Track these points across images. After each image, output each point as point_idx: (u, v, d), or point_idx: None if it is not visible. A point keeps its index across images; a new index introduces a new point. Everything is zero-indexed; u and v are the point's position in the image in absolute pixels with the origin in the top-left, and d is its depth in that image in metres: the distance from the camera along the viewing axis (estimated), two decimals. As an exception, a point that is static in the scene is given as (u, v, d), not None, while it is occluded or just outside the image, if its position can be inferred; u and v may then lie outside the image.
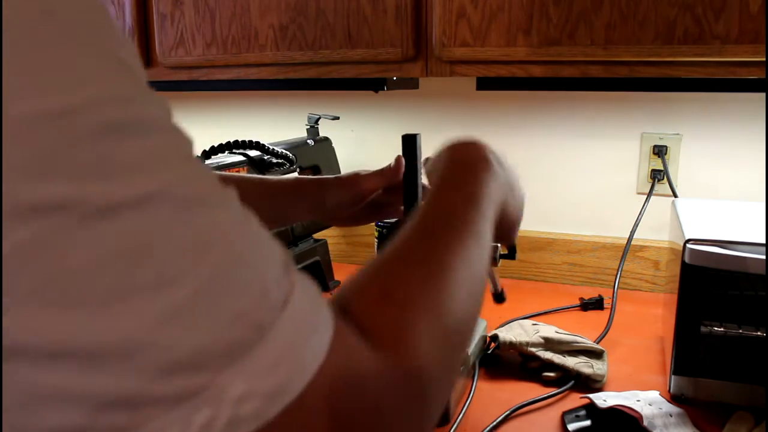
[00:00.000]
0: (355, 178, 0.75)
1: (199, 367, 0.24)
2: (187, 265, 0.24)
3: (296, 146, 1.19)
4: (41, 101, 0.22)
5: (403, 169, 0.73)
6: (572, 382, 0.86)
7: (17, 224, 0.21)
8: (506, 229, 0.56)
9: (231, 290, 0.25)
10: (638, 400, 0.78)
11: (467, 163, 0.52)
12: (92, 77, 0.23)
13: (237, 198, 0.29)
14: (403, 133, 0.73)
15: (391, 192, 0.75)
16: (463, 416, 0.80)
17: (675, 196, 1.16)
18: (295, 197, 0.76)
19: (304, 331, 0.27)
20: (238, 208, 0.28)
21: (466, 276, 0.39)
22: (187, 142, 0.27)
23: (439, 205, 0.46)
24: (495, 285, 0.76)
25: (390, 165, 0.75)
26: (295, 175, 0.91)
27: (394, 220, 1.05)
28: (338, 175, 0.77)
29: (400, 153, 0.78)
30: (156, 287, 0.23)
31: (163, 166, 0.24)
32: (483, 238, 0.44)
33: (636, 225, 1.17)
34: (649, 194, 1.18)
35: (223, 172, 0.90)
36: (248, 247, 0.27)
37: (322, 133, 1.30)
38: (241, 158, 1.07)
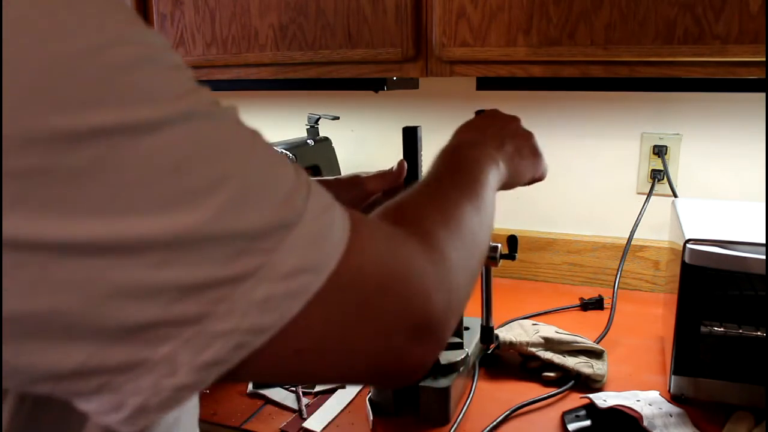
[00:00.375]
0: (356, 179, 0.75)
1: (255, 249, 0.27)
2: (229, 165, 0.28)
3: (296, 146, 1.19)
4: (78, 41, 0.25)
5: (405, 173, 0.73)
6: (572, 382, 0.86)
7: (80, 145, 0.24)
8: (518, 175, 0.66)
9: (270, 181, 0.29)
10: (638, 400, 0.79)
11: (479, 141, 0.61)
12: (111, 19, 0.26)
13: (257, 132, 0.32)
14: (403, 133, 0.74)
15: (391, 195, 0.76)
16: (463, 416, 0.80)
17: (675, 196, 1.16)
18: None
19: (330, 212, 0.31)
20: (244, 123, 0.32)
21: (475, 212, 0.47)
22: (192, 75, 0.30)
23: (453, 162, 0.55)
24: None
25: (392, 168, 0.75)
26: None
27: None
28: (338, 176, 0.77)
29: (401, 151, 0.78)
30: (209, 187, 0.26)
31: (186, 89, 0.28)
32: (487, 189, 0.53)
33: (636, 225, 1.17)
34: (649, 194, 1.18)
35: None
36: (268, 149, 0.31)
37: (322, 133, 1.30)
38: (241, 158, 1.07)
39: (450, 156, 0.56)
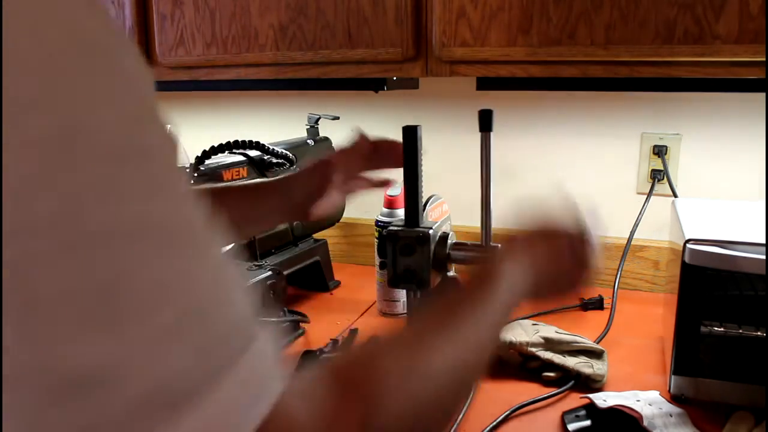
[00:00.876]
0: (317, 162, 0.75)
1: (155, 405, 0.24)
2: (159, 301, 0.24)
3: (296, 146, 1.19)
4: (48, 119, 0.22)
5: (367, 141, 0.74)
6: (572, 382, 0.86)
7: (5, 244, 0.21)
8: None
9: (197, 331, 0.25)
10: (638, 400, 0.79)
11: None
12: (100, 98, 0.24)
13: (219, 240, 0.29)
14: (403, 133, 0.74)
15: (353, 165, 0.75)
16: (463, 416, 0.80)
17: (675, 196, 1.16)
18: (256, 200, 0.74)
19: (253, 385, 0.27)
20: (218, 251, 0.28)
21: (448, 371, 0.43)
22: (182, 173, 0.27)
23: (441, 312, 0.49)
24: None
25: (354, 141, 0.75)
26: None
27: (391, 219, 1.05)
28: (302, 168, 0.76)
29: (401, 149, 0.78)
30: (129, 319, 0.23)
31: (154, 197, 0.25)
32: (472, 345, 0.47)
33: (636, 225, 1.17)
34: (649, 194, 1.18)
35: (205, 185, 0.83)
36: (222, 292, 0.28)
37: (322, 133, 1.30)
38: (241, 158, 1.07)
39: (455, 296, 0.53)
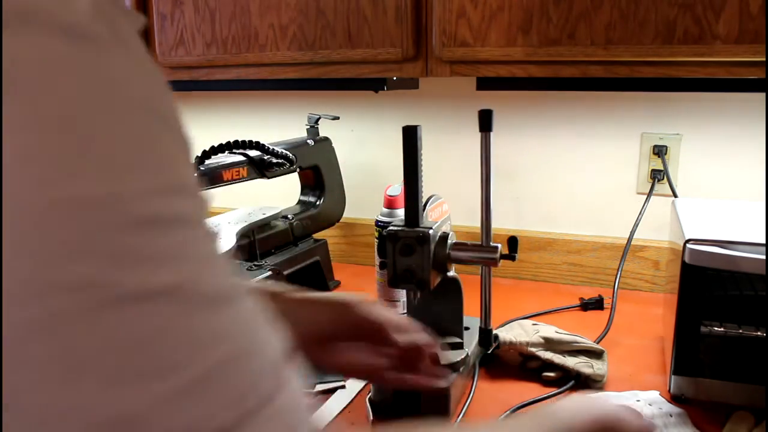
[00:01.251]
0: (381, 329, 0.66)
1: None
2: (189, 356, 0.25)
3: (296, 146, 1.19)
4: (88, 186, 0.23)
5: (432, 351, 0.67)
6: (572, 382, 0.86)
7: (40, 300, 0.22)
8: None
9: (227, 381, 0.26)
10: (638, 400, 0.79)
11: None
12: (140, 166, 0.25)
13: (248, 292, 0.30)
14: (403, 133, 0.74)
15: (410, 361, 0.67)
16: (463, 416, 0.80)
17: (675, 196, 1.16)
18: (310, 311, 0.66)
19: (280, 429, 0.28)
20: (248, 302, 0.29)
21: None
22: (213, 236, 0.28)
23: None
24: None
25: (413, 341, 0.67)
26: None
27: (391, 219, 1.05)
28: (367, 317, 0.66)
29: (401, 149, 0.78)
30: (158, 373, 0.24)
31: (187, 261, 0.26)
32: None
33: (636, 225, 1.17)
34: (649, 194, 1.18)
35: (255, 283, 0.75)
36: (251, 342, 0.28)
37: (322, 133, 1.30)
38: (241, 158, 1.07)
39: None
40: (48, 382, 0.23)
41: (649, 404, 0.78)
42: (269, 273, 0.98)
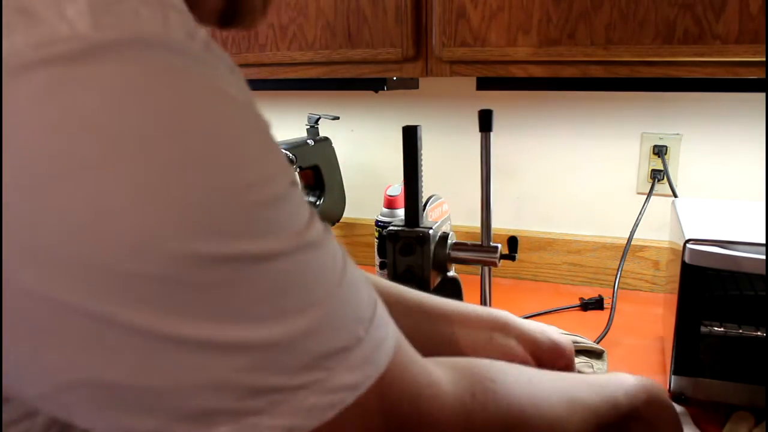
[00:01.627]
0: (558, 348, 0.65)
1: (319, 367, 0.31)
2: (320, 294, 0.32)
3: (296, 146, 1.19)
4: (238, 177, 0.29)
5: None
6: (572, 382, 0.86)
7: (210, 267, 0.28)
8: None
9: (348, 307, 0.34)
10: (638, 400, 0.78)
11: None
12: (265, 159, 0.31)
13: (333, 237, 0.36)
14: (403, 133, 0.74)
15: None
16: (463, 416, 0.80)
17: (675, 196, 1.16)
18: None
19: (382, 336, 0.35)
20: (339, 245, 0.36)
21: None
22: (303, 196, 0.34)
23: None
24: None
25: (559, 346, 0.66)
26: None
27: (391, 219, 1.05)
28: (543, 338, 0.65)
29: (401, 149, 0.78)
30: (301, 309, 0.31)
31: (299, 224, 0.32)
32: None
33: (636, 225, 1.17)
34: (649, 194, 1.19)
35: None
36: (354, 271, 0.35)
37: (322, 133, 1.30)
38: (241, 158, 1.07)
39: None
40: (211, 321, 0.28)
41: (649, 404, 0.78)
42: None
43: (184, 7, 0.29)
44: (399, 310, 0.62)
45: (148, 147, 0.26)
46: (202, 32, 0.30)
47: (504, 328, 0.63)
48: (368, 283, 0.37)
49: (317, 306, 0.32)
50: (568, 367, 0.65)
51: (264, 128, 0.32)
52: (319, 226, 0.34)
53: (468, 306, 0.66)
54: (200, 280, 0.28)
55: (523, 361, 0.62)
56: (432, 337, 0.62)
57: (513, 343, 0.62)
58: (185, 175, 0.27)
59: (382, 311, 0.37)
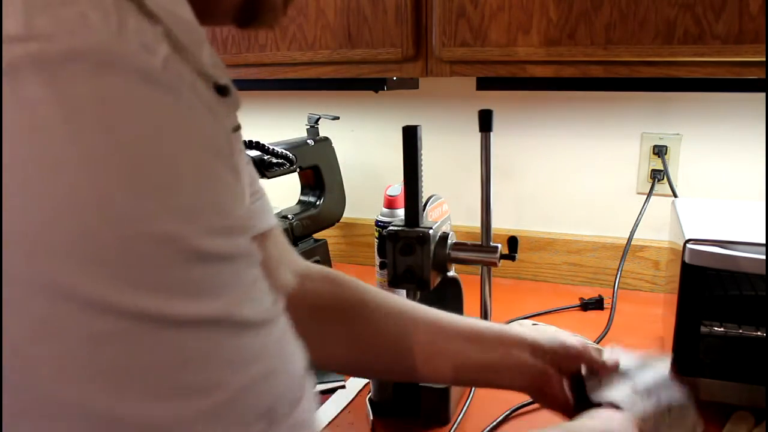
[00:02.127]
0: (580, 354, 0.64)
1: None
2: (228, 375, 0.28)
3: (296, 146, 1.19)
4: (157, 224, 0.25)
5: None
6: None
7: (102, 317, 0.24)
8: None
9: (259, 396, 0.29)
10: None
11: None
12: (206, 207, 0.27)
13: (283, 311, 0.32)
14: (403, 133, 0.74)
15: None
16: (463, 416, 0.80)
17: (675, 196, 1.16)
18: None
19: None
20: (282, 322, 0.32)
21: None
22: (256, 262, 0.30)
23: None
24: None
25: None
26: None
27: (391, 219, 1.05)
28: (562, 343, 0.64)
29: (401, 149, 0.78)
30: (199, 390, 0.26)
31: (231, 291, 0.28)
32: None
33: (636, 225, 1.17)
34: (649, 194, 1.19)
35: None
36: (281, 359, 0.31)
37: (322, 133, 1.30)
38: (241, 158, 1.07)
39: None
40: (95, 391, 0.24)
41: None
42: (269, 273, 0.98)
43: (161, 9, 0.26)
44: (414, 327, 0.62)
45: (53, 177, 0.23)
46: (164, 46, 0.26)
47: (518, 343, 0.62)
48: (302, 365, 0.33)
49: (218, 390, 0.27)
50: (590, 364, 0.63)
51: (213, 169, 0.28)
52: (265, 303, 0.30)
53: (479, 322, 0.65)
54: (89, 331, 0.24)
55: (541, 372, 0.61)
56: (446, 354, 0.62)
57: (528, 357, 0.62)
58: (87, 206, 0.23)
59: (312, 394, 0.33)
